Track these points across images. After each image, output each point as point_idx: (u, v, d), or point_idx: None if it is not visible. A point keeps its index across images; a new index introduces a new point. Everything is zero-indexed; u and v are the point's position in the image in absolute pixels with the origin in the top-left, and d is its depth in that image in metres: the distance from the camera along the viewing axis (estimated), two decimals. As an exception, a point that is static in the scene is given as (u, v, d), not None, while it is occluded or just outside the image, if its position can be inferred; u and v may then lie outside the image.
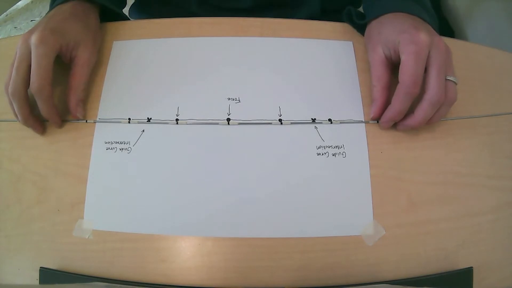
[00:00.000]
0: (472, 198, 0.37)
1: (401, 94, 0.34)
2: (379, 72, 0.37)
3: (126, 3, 0.53)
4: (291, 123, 0.38)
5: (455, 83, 0.35)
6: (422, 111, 0.34)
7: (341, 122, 0.39)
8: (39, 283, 0.34)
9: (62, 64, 0.39)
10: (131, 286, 0.34)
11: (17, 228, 0.36)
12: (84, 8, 0.41)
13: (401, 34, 0.35)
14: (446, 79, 0.34)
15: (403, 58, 0.34)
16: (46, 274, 0.34)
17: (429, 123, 0.36)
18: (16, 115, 0.37)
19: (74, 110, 0.38)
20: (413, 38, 0.34)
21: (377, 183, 0.37)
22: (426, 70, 0.34)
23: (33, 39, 0.35)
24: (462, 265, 0.35)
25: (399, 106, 0.35)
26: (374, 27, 0.40)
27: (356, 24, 0.43)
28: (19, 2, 1.44)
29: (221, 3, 0.52)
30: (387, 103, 0.37)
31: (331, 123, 0.38)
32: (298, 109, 0.39)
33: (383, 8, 0.39)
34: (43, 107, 0.36)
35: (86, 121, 0.39)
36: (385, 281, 0.34)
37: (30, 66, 0.35)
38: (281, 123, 0.38)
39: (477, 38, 0.71)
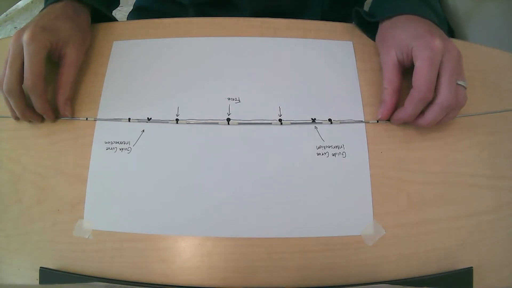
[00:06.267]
0: (472, 198, 0.37)
1: (415, 99, 0.35)
2: (391, 75, 0.37)
3: (117, 6, 0.53)
4: (291, 123, 0.38)
5: (465, 88, 0.35)
6: (432, 114, 0.35)
7: (341, 122, 0.39)
8: (39, 283, 0.34)
9: (53, 61, 0.39)
10: (131, 286, 0.34)
11: (17, 228, 0.37)
12: (75, 7, 0.41)
13: (416, 39, 0.35)
14: (456, 84, 0.35)
15: (418, 63, 0.34)
16: (46, 274, 0.34)
17: (437, 124, 0.36)
18: (12, 113, 0.38)
19: (63, 109, 0.38)
20: (428, 44, 0.34)
21: (377, 183, 0.37)
22: (438, 75, 0.34)
23: (25, 37, 0.36)
24: (462, 265, 0.35)
25: (411, 110, 0.35)
26: (387, 28, 0.39)
27: (366, 24, 0.42)
28: (19, 2, 1.44)
29: (219, 13, 0.52)
30: (396, 106, 0.37)
31: (331, 123, 0.38)
32: (298, 109, 0.39)
33: (396, 9, 0.39)
34: (37, 103, 0.37)
35: (87, 118, 0.39)
36: (385, 281, 0.34)
37: (23, 63, 0.36)
38: (281, 123, 0.38)
39: (477, 38, 0.71)
